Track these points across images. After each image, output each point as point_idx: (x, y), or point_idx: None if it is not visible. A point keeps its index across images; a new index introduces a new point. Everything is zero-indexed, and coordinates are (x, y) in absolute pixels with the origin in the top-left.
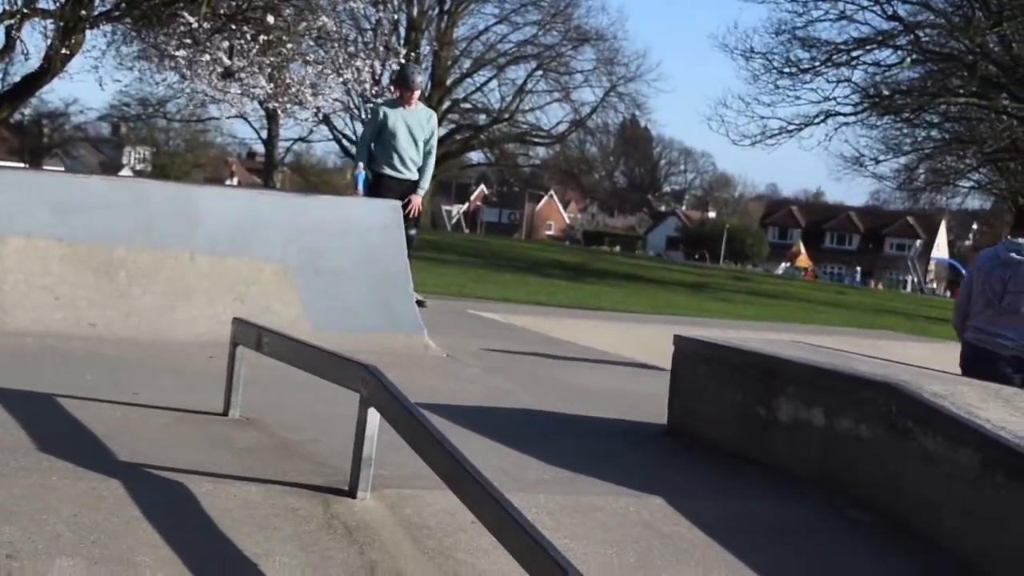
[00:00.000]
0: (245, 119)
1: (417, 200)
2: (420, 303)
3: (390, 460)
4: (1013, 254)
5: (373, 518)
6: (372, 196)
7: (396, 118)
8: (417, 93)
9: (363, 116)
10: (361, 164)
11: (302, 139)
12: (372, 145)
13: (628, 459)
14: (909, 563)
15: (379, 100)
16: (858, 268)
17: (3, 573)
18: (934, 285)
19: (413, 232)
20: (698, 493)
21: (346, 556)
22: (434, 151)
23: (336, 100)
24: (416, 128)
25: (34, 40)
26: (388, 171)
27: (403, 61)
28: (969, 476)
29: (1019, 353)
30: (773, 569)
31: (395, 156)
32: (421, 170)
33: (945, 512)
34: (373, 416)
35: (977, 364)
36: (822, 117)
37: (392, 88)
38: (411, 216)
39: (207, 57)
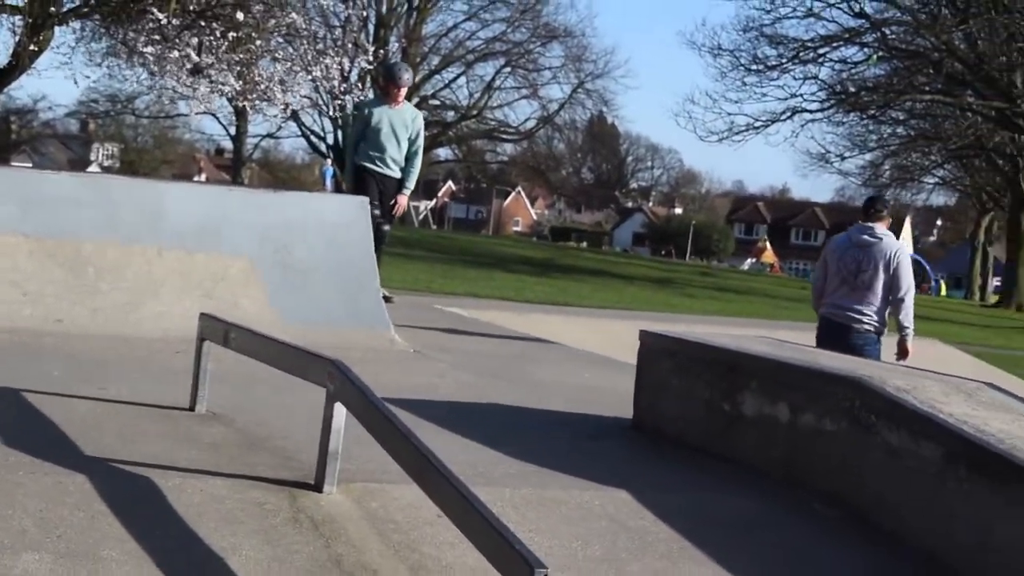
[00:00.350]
0: (214, 116)
1: (403, 200)
2: (387, 299)
3: (356, 454)
4: (865, 236)
5: (339, 512)
6: (353, 188)
7: (380, 116)
8: (403, 91)
9: (331, 113)
10: (329, 161)
11: (270, 135)
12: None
13: (594, 453)
14: (875, 556)
15: (365, 98)
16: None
17: None
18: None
19: (387, 228)
20: (664, 487)
21: (312, 550)
22: (420, 152)
23: (305, 96)
24: (400, 127)
25: (2, 36)
26: (369, 165)
27: (371, 59)
28: (932, 470)
29: (872, 328)
30: (739, 562)
31: (376, 153)
32: (405, 170)
33: (909, 506)
34: (339, 411)
35: (831, 336)
36: (789, 114)
37: (372, 85)
38: (394, 215)
39: (176, 54)
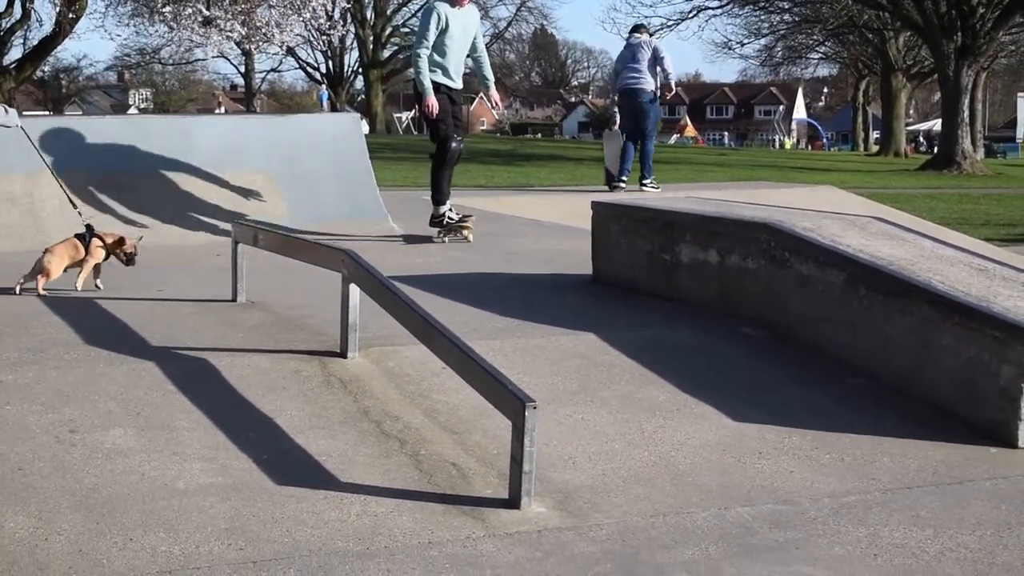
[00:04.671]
0: (225, 58)
1: (497, 95)
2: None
3: (371, 325)
4: (632, 42)
5: (362, 372)
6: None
7: (455, 20)
8: None
9: (321, 47)
10: (324, 86)
11: (274, 70)
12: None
13: (563, 305)
14: (795, 363)
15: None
16: (724, 134)
17: (68, 445)
18: (796, 141)
19: (461, 146)
20: (622, 327)
21: (344, 405)
22: (485, 50)
23: (298, 35)
24: (471, 29)
25: (45, 9)
26: (443, 81)
27: None
28: (837, 292)
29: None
30: (688, 381)
31: (449, 63)
32: (484, 74)
33: (821, 323)
34: (354, 290)
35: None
36: (694, 12)
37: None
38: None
39: (189, 10)
